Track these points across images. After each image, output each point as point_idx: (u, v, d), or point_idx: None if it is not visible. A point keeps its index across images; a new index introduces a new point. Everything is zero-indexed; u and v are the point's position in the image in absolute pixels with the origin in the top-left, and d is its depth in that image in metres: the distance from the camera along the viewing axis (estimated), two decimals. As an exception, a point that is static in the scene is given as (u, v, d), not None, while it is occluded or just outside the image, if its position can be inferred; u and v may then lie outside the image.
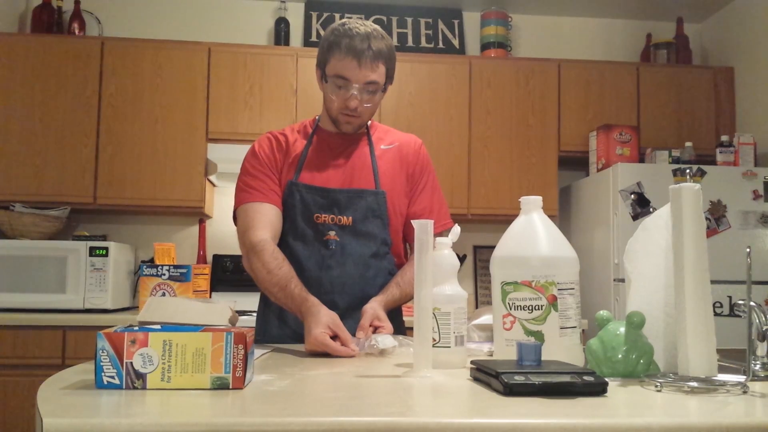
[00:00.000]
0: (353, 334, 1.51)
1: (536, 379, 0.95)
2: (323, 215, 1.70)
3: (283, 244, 1.72)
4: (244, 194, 1.73)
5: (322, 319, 1.47)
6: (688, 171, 3.16)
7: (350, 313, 1.65)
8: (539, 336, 1.18)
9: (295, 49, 3.56)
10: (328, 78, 1.68)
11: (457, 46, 3.93)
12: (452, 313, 1.24)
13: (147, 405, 0.88)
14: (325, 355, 1.42)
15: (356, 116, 1.71)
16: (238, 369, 0.96)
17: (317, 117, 1.84)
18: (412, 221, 1.23)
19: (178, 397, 0.91)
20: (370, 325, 1.55)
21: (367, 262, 1.71)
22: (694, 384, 1.01)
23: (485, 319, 1.58)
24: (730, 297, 3.07)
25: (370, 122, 1.84)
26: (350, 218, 1.70)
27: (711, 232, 3.14)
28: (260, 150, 1.77)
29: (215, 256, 3.61)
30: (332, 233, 1.69)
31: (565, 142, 3.64)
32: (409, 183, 1.80)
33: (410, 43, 3.89)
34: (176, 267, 2.14)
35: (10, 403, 2.88)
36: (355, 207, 1.71)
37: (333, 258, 1.69)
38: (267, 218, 1.68)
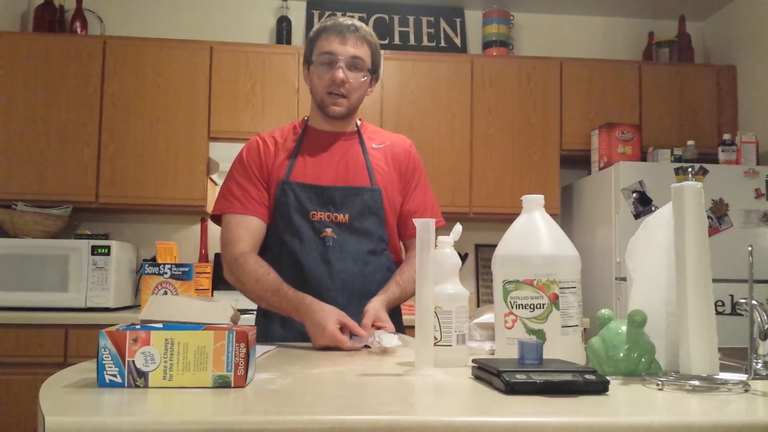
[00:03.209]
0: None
1: (538, 378, 0.95)
2: (319, 213, 1.71)
3: (279, 242, 1.73)
4: (226, 202, 1.75)
5: (331, 314, 1.53)
6: (690, 169, 3.15)
7: (350, 308, 1.66)
8: (541, 335, 1.18)
9: (296, 48, 3.56)
10: (314, 59, 1.73)
11: (459, 45, 3.93)
12: (454, 311, 1.24)
13: (149, 403, 0.88)
14: (334, 348, 1.49)
15: (343, 96, 1.73)
16: (239, 367, 0.96)
17: (306, 117, 1.85)
18: (413, 220, 1.23)
19: (179, 395, 0.92)
20: (372, 325, 1.56)
21: (366, 259, 1.72)
22: (696, 383, 1.00)
23: (487, 317, 1.58)
24: (732, 295, 3.07)
25: (360, 122, 1.85)
26: (346, 215, 1.71)
27: (713, 230, 3.14)
28: (247, 156, 1.79)
29: (217, 255, 3.61)
30: (329, 230, 1.70)
31: (567, 141, 3.64)
32: (401, 181, 1.81)
33: (412, 41, 3.89)
34: (178, 266, 2.13)
35: (12, 401, 2.88)
36: (351, 204, 1.72)
37: (332, 255, 1.70)
38: (247, 231, 1.72)
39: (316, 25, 1.78)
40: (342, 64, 1.70)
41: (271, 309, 1.70)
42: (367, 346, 1.48)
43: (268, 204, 1.74)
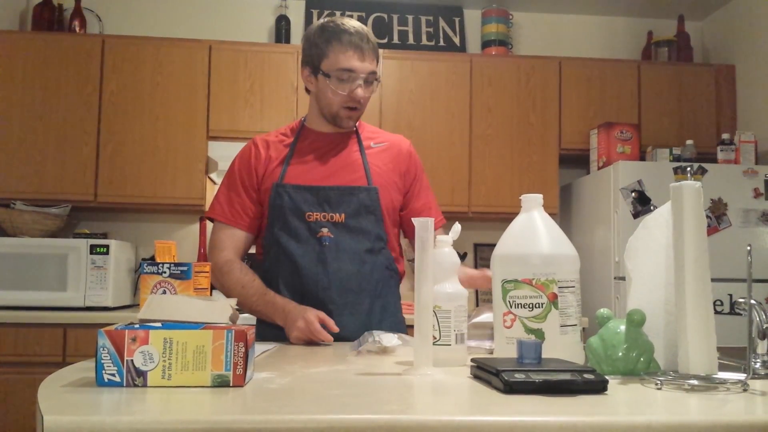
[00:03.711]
0: (351, 330, 1.61)
1: (536, 377, 0.95)
2: (315, 213, 1.72)
3: (275, 245, 1.75)
4: (217, 207, 1.81)
5: (311, 309, 1.61)
6: (689, 169, 3.16)
7: (346, 307, 1.68)
8: (539, 334, 1.18)
9: (295, 47, 3.55)
10: (330, 73, 1.70)
11: (458, 44, 3.93)
12: (453, 311, 1.24)
13: (147, 403, 0.88)
14: (313, 343, 1.56)
15: (358, 109, 1.74)
16: (238, 366, 0.96)
17: (303, 118, 1.85)
18: (412, 219, 1.23)
19: (178, 394, 0.91)
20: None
21: (363, 258, 1.72)
22: (695, 382, 1.01)
23: (484, 317, 1.57)
24: (730, 295, 3.07)
25: (358, 121, 1.85)
26: (342, 215, 1.72)
27: (712, 230, 3.14)
28: (239, 164, 1.81)
29: (216, 254, 3.61)
30: (325, 230, 1.71)
31: (566, 140, 3.64)
32: (403, 181, 1.81)
33: (411, 41, 3.89)
34: (177, 265, 2.13)
35: (10, 400, 2.88)
36: (347, 203, 1.72)
37: (328, 254, 1.70)
38: (231, 240, 1.78)
39: (320, 27, 1.74)
40: (361, 81, 1.70)
41: (255, 314, 1.74)
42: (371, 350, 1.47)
43: (256, 213, 1.78)
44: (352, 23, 1.73)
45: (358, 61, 1.69)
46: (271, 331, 1.71)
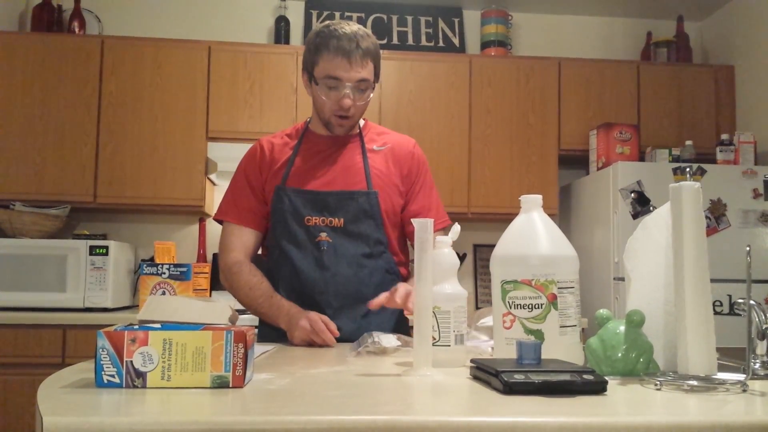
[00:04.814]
0: (349, 333, 1.62)
1: (536, 378, 0.95)
2: (314, 218, 1.72)
3: (276, 247, 1.75)
4: (225, 208, 1.81)
5: (314, 313, 1.61)
6: (688, 169, 3.15)
7: (344, 311, 1.68)
8: (539, 335, 1.18)
9: (295, 48, 3.55)
10: (318, 80, 1.70)
11: (458, 45, 3.93)
12: (452, 311, 1.24)
13: (147, 404, 0.88)
14: (310, 345, 1.57)
15: (349, 117, 1.72)
16: (238, 367, 0.96)
17: (308, 120, 1.85)
18: (412, 220, 1.23)
19: (178, 395, 0.91)
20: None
21: (361, 262, 1.72)
22: (694, 382, 1.01)
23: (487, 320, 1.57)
24: (729, 295, 3.07)
25: (363, 122, 1.84)
26: (341, 220, 1.71)
27: (711, 230, 3.14)
28: (245, 165, 1.81)
29: (215, 255, 3.61)
30: (324, 235, 1.71)
31: (566, 141, 3.64)
32: (404, 183, 1.80)
33: (410, 41, 3.89)
34: (176, 266, 2.13)
35: (10, 401, 2.88)
36: (346, 208, 1.72)
37: (327, 259, 1.70)
38: (241, 241, 1.78)
39: (316, 32, 1.71)
40: (348, 90, 1.67)
41: (261, 316, 1.74)
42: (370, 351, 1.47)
43: (263, 212, 1.78)
44: (346, 28, 1.67)
45: (344, 70, 1.65)
46: (273, 332, 1.71)
